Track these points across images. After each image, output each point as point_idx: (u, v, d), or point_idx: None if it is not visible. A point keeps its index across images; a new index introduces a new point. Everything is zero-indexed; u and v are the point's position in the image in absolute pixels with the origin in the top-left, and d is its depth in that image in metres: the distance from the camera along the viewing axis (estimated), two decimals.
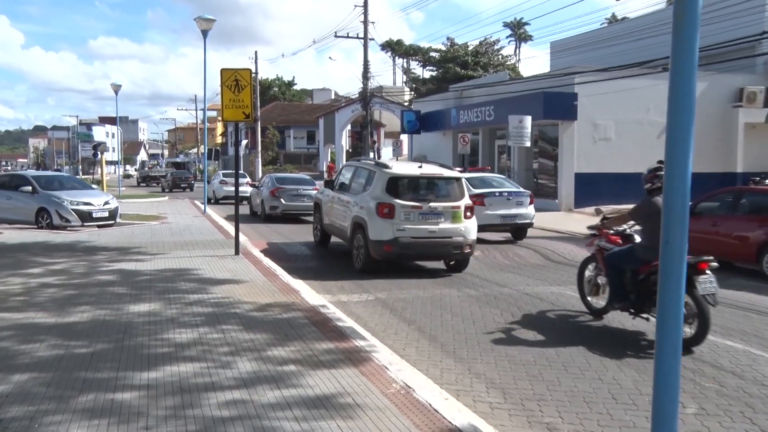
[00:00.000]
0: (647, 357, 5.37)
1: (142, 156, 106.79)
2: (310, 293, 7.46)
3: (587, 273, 6.65)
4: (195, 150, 77.82)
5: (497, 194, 13.16)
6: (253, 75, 12.82)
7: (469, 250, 9.32)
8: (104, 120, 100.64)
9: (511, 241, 13.23)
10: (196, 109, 67.60)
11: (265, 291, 7.40)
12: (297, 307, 6.61)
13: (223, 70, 10.06)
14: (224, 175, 31.23)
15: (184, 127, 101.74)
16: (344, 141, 50.05)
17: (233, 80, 10.05)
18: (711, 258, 5.41)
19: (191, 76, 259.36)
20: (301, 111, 59.80)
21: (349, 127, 52.58)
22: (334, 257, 10.99)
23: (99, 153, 33.28)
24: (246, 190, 25.80)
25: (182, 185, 44.10)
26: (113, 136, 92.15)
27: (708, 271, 5.35)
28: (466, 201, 9.41)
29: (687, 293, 5.21)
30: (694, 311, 5.28)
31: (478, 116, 24.62)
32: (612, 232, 6.38)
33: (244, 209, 21.35)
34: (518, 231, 13.48)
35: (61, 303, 6.57)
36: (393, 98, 43.59)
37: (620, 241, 6.30)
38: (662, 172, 5.50)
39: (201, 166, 65.97)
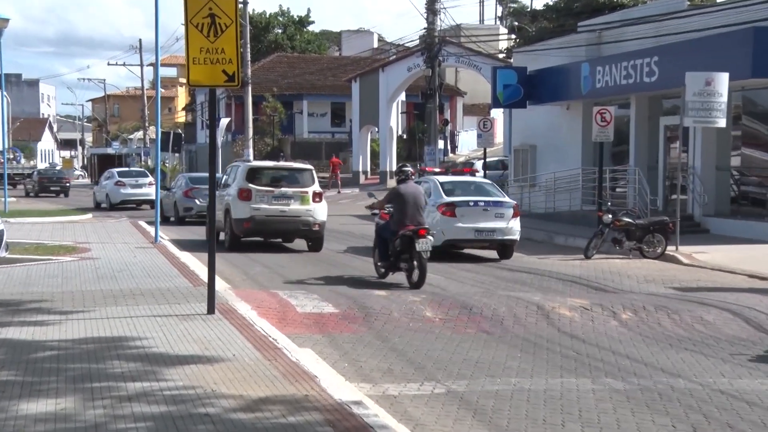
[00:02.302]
0: None
1: (47, 143, 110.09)
2: (334, 380, 7.54)
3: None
4: (140, 135, 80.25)
5: (471, 203, 18.47)
6: (240, 6, 13.09)
7: (317, 228, 19.14)
8: None
9: (679, 296, 13.33)
10: (140, 65, 69.57)
11: (258, 376, 7.50)
12: (312, 404, 6.66)
13: None
14: (120, 174, 38.12)
15: (121, 95, 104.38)
16: (394, 120, 50.55)
17: (206, 15, 10.28)
18: (427, 227, 14.16)
19: (131, 7, 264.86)
20: (321, 69, 60.89)
21: (402, 96, 53.08)
22: (377, 319, 11.03)
23: None
24: (148, 192, 35.28)
25: (53, 188, 48.88)
26: None
27: (427, 236, 13.91)
28: (315, 188, 19.39)
29: (412, 251, 13.86)
30: (416, 264, 13.85)
31: (630, 75, 24.39)
32: (385, 210, 14.97)
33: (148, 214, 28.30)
34: (503, 249, 18.84)
35: None
36: (479, 47, 43.68)
37: (387, 217, 14.81)
38: (406, 168, 14.79)
39: (149, 161, 67.92)
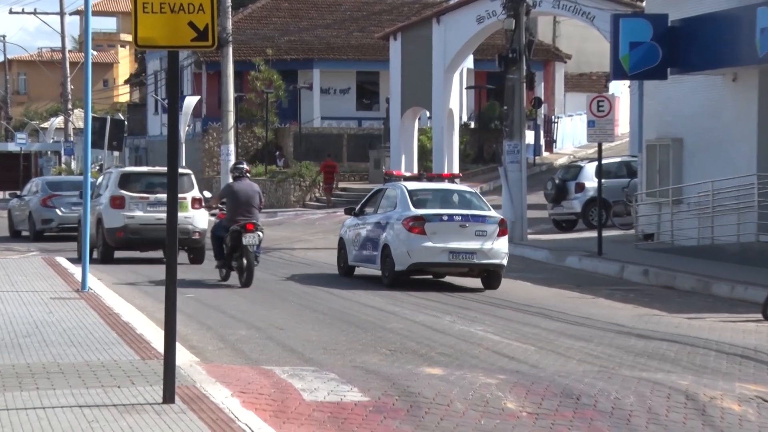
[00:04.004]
0: None
1: None
2: None
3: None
4: (59, 122, 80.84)
5: (444, 217, 22.44)
6: None
7: (197, 237, 26.96)
8: None
9: None
10: (60, 14, 69.95)
11: None
12: None
13: None
14: None
15: (29, 61, 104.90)
16: (456, 99, 50.32)
17: None
18: (256, 222, 21.99)
19: None
20: (342, 19, 60.92)
21: (469, 62, 52.62)
22: (429, 412, 10.96)
23: None
24: None
25: None
26: None
27: (256, 231, 21.73)
28: (194, 194, 27.38)
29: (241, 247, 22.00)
30: (244, 261, 21.68)
31: None
32: (221, 209, 23.46)
33: None
34: (488, 277, 22.82)
35: None
36: None
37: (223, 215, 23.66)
38: (241, 166, 23.36)
39: (73, 163, 67.86)
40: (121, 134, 62.86)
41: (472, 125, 56.72)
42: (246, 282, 21.57)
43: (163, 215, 25.49)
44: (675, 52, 28.66)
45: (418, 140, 51.31)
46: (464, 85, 54.11)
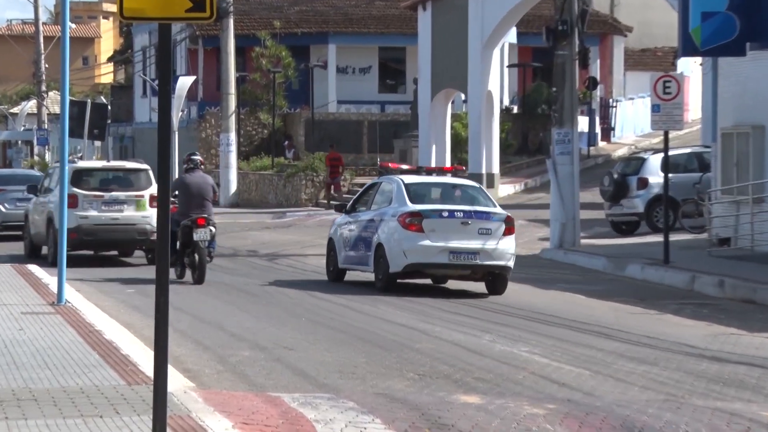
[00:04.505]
0: None
1: None
2: None
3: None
4: (32, 106, 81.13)
5: (445, 214, 23.57)
6: None
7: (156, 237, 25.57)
8: None
9: None
10: None
11: None
12: None
13: None
14: None
15: None
16: (495, 80, 50.20)
17: None
18: (206, 216, 25.10)
19: None
20: None
21: (512, 36, 52.53)
22: None
23: None
24: None
25: None
26: None
27: (207, 226, 25.00)
28: (152, 191, 28.53)
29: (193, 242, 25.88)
30: (196, 257, 24.83)
31: None
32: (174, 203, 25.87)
33: None
34: (493, 280, 24.02)
35: None
36: None
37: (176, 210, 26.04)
38: (195, 157, 26.99)
39: (47, 154, 67.95)
40: (104, 121, 62.87)
41: (515, 110, 56.68)
42: (198, 279, 24.27)
43: (119, 215, 29.62)
44: (755, 24, 28.55)
45: (452, 128, 51.19)
46: (506, 63, 54.13)
